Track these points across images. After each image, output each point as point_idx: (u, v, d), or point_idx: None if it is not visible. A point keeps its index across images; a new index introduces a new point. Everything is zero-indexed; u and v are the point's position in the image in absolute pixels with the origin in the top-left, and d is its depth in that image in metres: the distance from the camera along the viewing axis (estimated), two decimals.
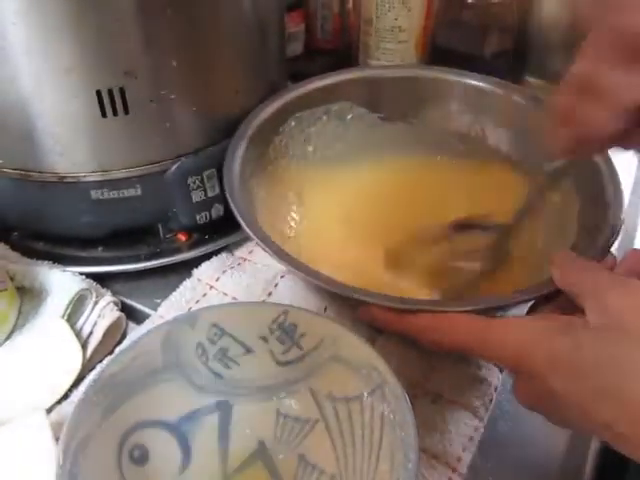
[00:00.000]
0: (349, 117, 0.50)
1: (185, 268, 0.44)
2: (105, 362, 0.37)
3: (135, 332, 0.41)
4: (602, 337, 0.27)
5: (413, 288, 0.42)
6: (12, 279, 0.41)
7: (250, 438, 0.33)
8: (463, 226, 0.44)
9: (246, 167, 0.43)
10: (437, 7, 0.59)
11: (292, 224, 0.46)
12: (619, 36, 0.27)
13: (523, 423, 0.37)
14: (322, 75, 0.49)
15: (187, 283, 0.43)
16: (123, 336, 0.41)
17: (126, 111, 0.38)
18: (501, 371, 0.38)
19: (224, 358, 0.34)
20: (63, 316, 0.39)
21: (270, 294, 0.42)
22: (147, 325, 0.41)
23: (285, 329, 0.33)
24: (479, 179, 0.49)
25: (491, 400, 0.37)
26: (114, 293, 0.43)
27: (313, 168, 0.49)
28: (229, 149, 0.43)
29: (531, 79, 0.63)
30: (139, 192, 0.42)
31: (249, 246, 0.46)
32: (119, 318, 0.41)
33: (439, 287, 0.41)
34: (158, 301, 0.42)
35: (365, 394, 0.31)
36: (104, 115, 0.38)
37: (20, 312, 0.40)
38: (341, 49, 0.67)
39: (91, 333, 0.39)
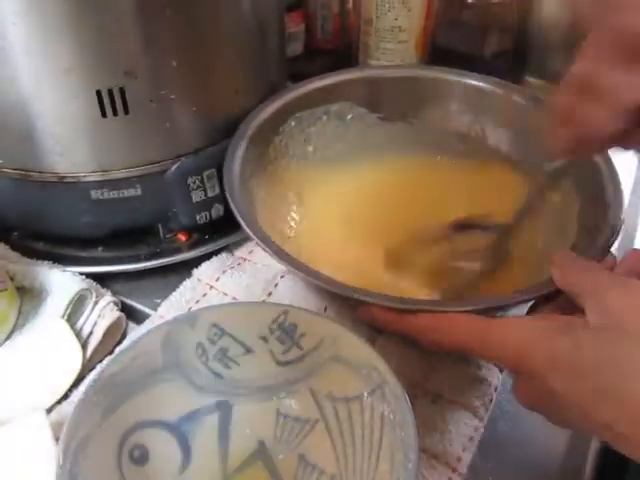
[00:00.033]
0: (349, 117, 0.50)
1: (185, 268, 0.44)
2: (105, 362, 0.37)
3: (135, 332, 0.41)
4: (602, 337, 0.27)
5: (413, 288, 0.42)
6: (12, 279, 0.41)
7: (250, 438, 0.33)
8: (463, 226, 0.44)
9: (246, 167, 0.43)
10: (437, 7, 0.59)
11: (292, 224, 0.46)
12: (619, 36, 0.27)
13: (523, 423, 0.37)
14: (322, 75, 0.49)
15: (187, 283, 0.43)
16: (123, 336, 0.41)
17: (126, 111, 0.38)
18: (501, 371, 0.38)
19: (224, 358, 0.34)
20: (63, 316, 0.39)
21: (270, 294, 0.42)
22: (147, 325, 0.41)
23: (285, 329, 0.33)
24: (479, 179, 0.49)
25: (491, 400, 0.37)
26: (114, 293, 0.43)
27: (313, 168, 0.49)
28: (229, 149, 0.43)
29: (531, 79, 0.63)
30: (139, 192, 0.42)
31: (249, 246, 0.46)
32: (119, 318, 0.41)
33: (439, 287, 0.41)
34: (158, 301, 0.42)
35: (365, 394, 0.31)
36: (104, 115, 0.38)
37: (20, 312, 0.40)
38: (341, 49, 0.67)
39: (91, 333, 0.39)
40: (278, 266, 0.43)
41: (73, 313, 0.39)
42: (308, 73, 0.50)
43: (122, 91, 0.37)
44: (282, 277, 0.43)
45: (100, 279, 0.43)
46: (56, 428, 0.31)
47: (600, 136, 0.30)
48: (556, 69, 0.59)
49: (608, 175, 0.41)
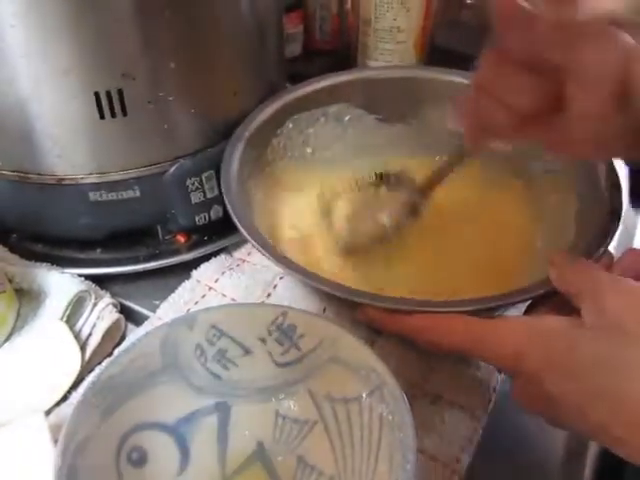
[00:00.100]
0: (347, 118, 0.50)
1: (184, 269, 0.44)
2: (104, 364, 0.37)
3: (134, 334, 0.41)
4: (599, 338, 0.27)
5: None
6: (11, 281, 0.41)
7: (249, 439, 0.33)
8: (388, 179, 0.47)
9: (244, 169, 0.43)
10: (436, 7, 0.59)
11: (290, 226, 0.46)
12: (515, 51, 0.30)
13: (522, 424, 0.37)
14: (320, 77, 0.49)
15: (186, 284, 0.43)
16: (122, 338, 0.41)
17: (124, 113, 0.38)
18: (500, 372, 0.38)
19: (223, 359, 0.34)
20: (62, 318, 0.39)
21: (269, 295, 0.42)
22: (146, 327, 0.41)
23: (284, 330, 0.33)
24: (479, 179, 0.49)
25: (490, 401, 0.37)
26: (113, 295, 0.43)
27: (312, 170, 0.49)
28: (227, 151, 0.43)
29: None
30: (138, 194, 0.42)
31: (248, 247, 0.46)
32: (118, 320, 0.41)
33: (360, 232, 0.44)
34: (157, 303, 0.42)
35: (364, 395, 0.31)
36: (102, 117, 0.38)
37: (19, 314, 0.40)
38: (340, 50, 0.68)
39: (90, 335, 0.39)
40: (277, 267, 0.43)
41: (72, 315, 0.39)
42: (307, 74, 0.50)
43: (120, 93, 0.37)
44: (281, 278, 0.43)
45: (99, 281, 0.43)
46: (55, 430, 0.31)
47: (495, 129, 0.34)
48: None
49: (607, 175, 0.41)
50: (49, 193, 0.41)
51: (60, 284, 0.41)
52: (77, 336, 0.39)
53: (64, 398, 0.36)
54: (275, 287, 0.43)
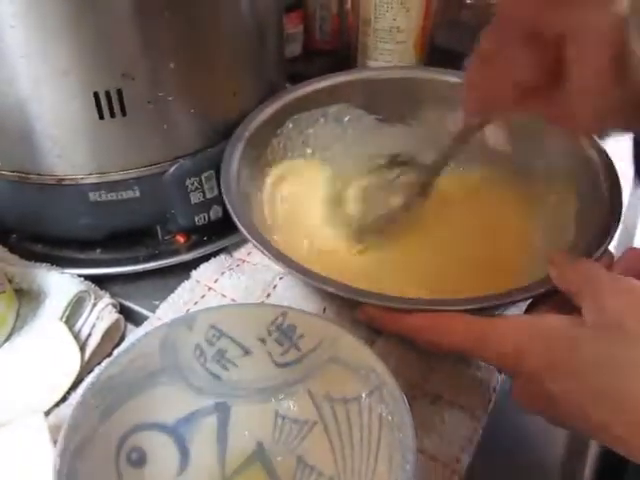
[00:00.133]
0: (347, 119, 0.50)
1: (183, 270, 0.44)
2: (103, 364, 0.37)
3: (133, 334, 0.41)
4: (600, 336, 0.27)
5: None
6: (10, 281, 0.41)
7: (248, 440, 0.33)
8: (399, 163, 0.49)
9: (244, 169, 0.43)
10: (436, 7, 0.59)
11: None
12: (516, 25, 0.31)
13: (522, 424, 0.37)
14: (320, 77, 0.49)
15: (186, 285, 0.43)
16: (121, 338, 0.41)
17: (124, 113, 0.38)
18: (500, 372, 0.38)
19: (222, 360, 0.33)
20: (61, 318, 0.39)
21: (269, 295, 0.42)
22: (145, 327, 0.40)
23: (284, 330, 0.33)
24: (479, 179, 0.49)
25: (490, 401, 0.37)
26: (112, 295, 0.43)
27: (311, 170, 0.49)
28: (226, 151, 0.43)
29: None
30: (137, 194, 0.42)
31: (248, 247, 0.46)
32: (117, 320, 0.41)
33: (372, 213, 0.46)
34: (156, 303, 0.42)
35: (363, 395, 0.31)
36: (101, 117, 0.38)
37: (18, 314, 0.40)
38: (340, 50, 0.68)
39: (89, 335, 0.39)
40: (277, 267, 0.43)
41: (71, 315, 0.39)
42: (307, 74, 0.50)
43: (120, 93, 0.37)
44: (281, 278, 0.43)
45: (98, 281, 0.43)
46: (54, 431, 0.31)
47: (499, 100, 0.34)
48: None
49: (607, 175, 0.41)
50: (49, 193, 0.41)
51: (60, 284, 0.41)
52: (77, 336, 0.39)
53: (63, 399, 0.36)
54: (275, 287, 0.43)
